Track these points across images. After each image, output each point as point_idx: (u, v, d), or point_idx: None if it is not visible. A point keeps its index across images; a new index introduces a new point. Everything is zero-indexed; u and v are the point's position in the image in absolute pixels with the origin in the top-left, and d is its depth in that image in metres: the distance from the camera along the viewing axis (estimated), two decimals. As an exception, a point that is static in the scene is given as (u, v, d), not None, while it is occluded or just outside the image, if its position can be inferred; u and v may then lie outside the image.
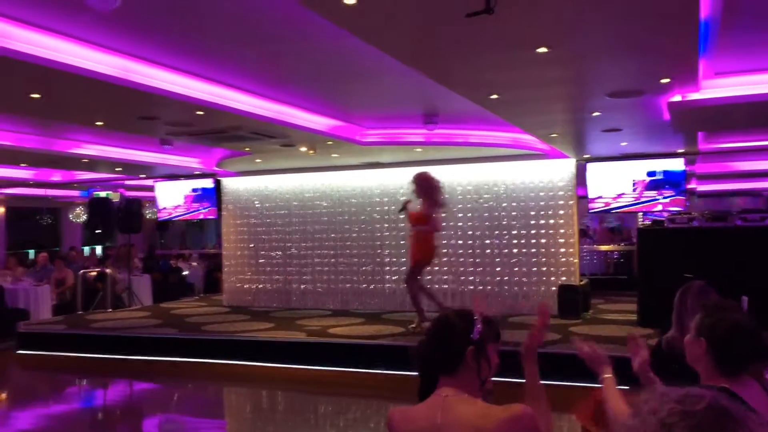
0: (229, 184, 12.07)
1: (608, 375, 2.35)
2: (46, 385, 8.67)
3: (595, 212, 10.72)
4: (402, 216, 9.27)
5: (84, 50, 5.01)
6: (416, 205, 8.74)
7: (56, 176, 13.31)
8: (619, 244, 15.71)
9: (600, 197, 10.06)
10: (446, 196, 8.94)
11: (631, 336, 2.51)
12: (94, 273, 12.69)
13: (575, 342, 2.37)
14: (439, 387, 1.92)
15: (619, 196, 9.93)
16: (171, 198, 12.65)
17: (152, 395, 8.08)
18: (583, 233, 15.55)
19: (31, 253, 17.68)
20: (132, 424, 7.01)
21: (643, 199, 9.84)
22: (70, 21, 4.58)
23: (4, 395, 8.30)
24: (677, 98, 6.05)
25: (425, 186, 8.59)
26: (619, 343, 7.45)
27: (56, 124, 8.20)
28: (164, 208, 12.81)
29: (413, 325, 8.66)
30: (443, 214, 9.16)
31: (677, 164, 9.68)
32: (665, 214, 10.04)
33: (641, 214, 13.22)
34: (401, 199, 9.60)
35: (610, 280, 13.99)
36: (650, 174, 9.73)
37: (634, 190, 9.81)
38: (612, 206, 10.11)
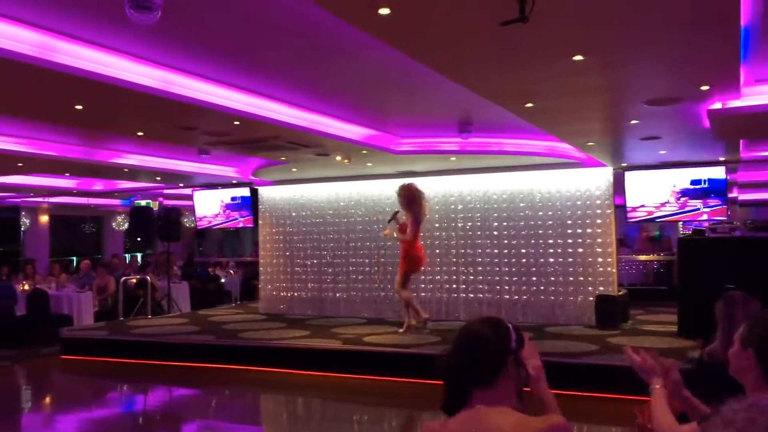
0: (266, 193, 12.22)
1: (658, 386, 2.29)
2: (89, 389, 8.86)
3: (636, 221, 10.53)
4: (390, 226, 9.54)
5: (126, 63, 5.15)
6: (404, 216, 9.11)
7: (98, 185, 13.65)
8: (659, 254, 15.41)
9: (642, 206, 9.88)
10: (427, 211, 9.28)
11: (660, 361, 2.40)
12: (135, 280, 12.95)
13: (627, 351, 2.28)
14: (473, 400, 1.86)
15: (663, 204, 9.74)
16: (209, 207, 12.87)
17: (190, 401, 8.20)
18: (622, 242, 15.31)
19: (75, 260, 18.11)
20: (171, 429, 7.12)
21: (688, 208, 9.63)
22: (113, 34, 4.71)
23: (48, 399, 8.51)
24: (717, 105, 5.94)
25: (408, 197, 8.95)
26: (659, 354, 7.32)
27: (99, 134, 8.43)
28: (203, 217, 13.03)
29: (417, 323, 9.06)
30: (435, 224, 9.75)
31: (719, 173, 9.48)
32: (705, 224, 9.83)
33: (681, 223, 12.97)
34: (387, 210, 10.10)
35: (650, 290, 13.74)
36: (694, 182, 9.53)
37: (678, 199, 9.62)
38: (655, 215, 9.92)
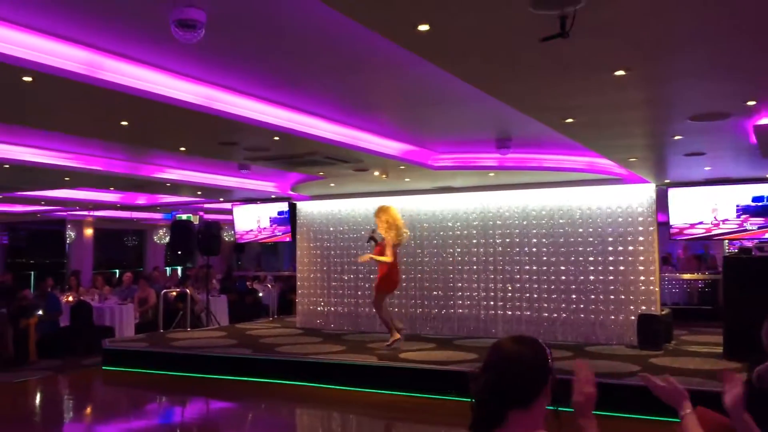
0: (304, 207, 12.31)
1: (689, 411, 2.20)
2: (128, 400, 8.99)
3: (691, 239, 10.20)
4: (370, 246, 9.73)
5: (171, 80, 5.26)
6: (381, 235, 9.32)
7: (141, 200, 13.95)
8: (703, 273, 15.03)
9: (701, 222, 9.59)
10: (405, 236, 9.44)
11: (727, 372, 2.31)
12: (175, 293, 13.15)
13: (646, 378, 2.12)
14: (509, 422, 1.79)
15: (722, 222, 9.42)
16: (248, 221, 13.02)
17: (227, 414, 8.25)
18: (666, 261, 14.98)
19: (117, 272, 18.49)
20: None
21: (748, 227, 9.33)
22: (158, 52, 4.83)
23: (89, 410, 8.66)
24: (764, 121, 5.79)
25: (388, 221, 9.18)
26: (704, 376, 7.11)
27: (143, 149, 8.62)
28: (243, 231, 13.18)
29: (388, 343, 9.21)
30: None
31: (765, 189, 9.21)
32: (751, 243, 9.55)
33: (727, 242, 12.63)
34: (368, 228, 10.36)
35: (694, 310, 13.38)
36: (757, 199, 9.22)
37: (738, 216, 9.32)
38: (714, 233, 9.63)
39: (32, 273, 18.64)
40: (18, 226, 18.52)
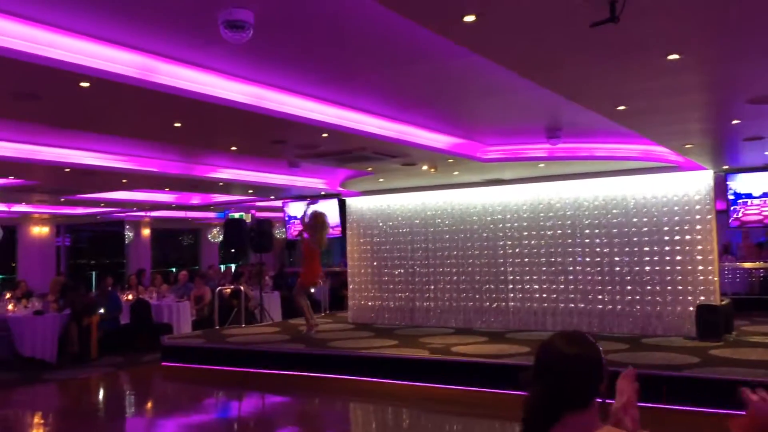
0: (353, 203, 12.39)
1: None
2: (187, 395, 9.23)
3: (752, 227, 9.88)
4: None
5: (221, 81, 5.37)
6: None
7: (195, 199, 14.27)
8: (765, 261, 14.50)
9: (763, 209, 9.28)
10: (324, 243, 10.75)
11: None
12: (229, 290, 13.41)
13: (745, 393, 1.95)
14: (566, 424, 1.75)
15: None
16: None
17: (282, 408, 8.39)
18: (726, 250, 14.52)
19: (174, 270, 18.97)
20: (264, 435, 7.32)
21: None
22: (209, 54, 4.93)
23: (150, 404, 8.93)
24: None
25: (313, 225, 10.48)
26: (767, 367, 6.88)
27: (196, 150, 8.82)
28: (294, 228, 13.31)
29: (304, 331, 10.48)
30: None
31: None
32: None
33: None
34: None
35: (756, 300, 12.95)
36: None
37: None
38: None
39: (93, 273, 19.30)
40: (79, 228, 19.19)
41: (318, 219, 10.60)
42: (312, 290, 11.42)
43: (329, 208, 12.54)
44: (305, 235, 10.69)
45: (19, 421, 7.84)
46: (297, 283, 10.88)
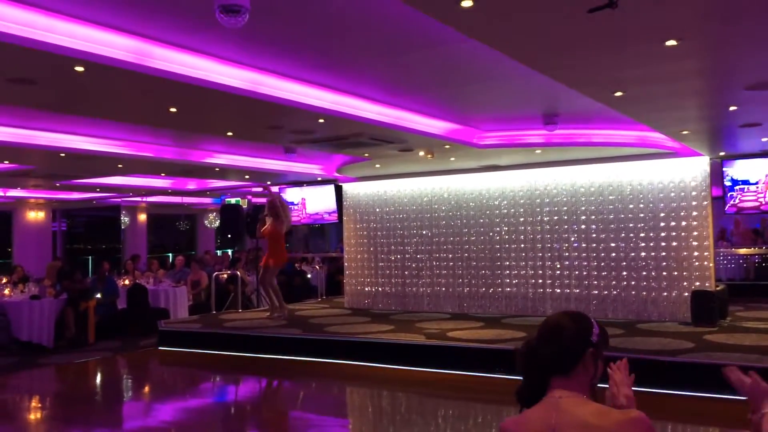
0: (350, 189, 12.38)
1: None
2: (183, 379, 9.27)
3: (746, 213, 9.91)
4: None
5: (217, 65, 5.34)
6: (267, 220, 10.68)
7: (191, 185, 14.24)
8: (760, 247, 14.57)
9: (757, 195, 9.30)
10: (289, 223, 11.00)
11: None
12: (226, 275, 13.42)
13: (732, 372, 1.97)
14: (551, 389, 1.90)
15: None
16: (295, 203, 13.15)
17: (279, 392, 8.44)
18: (721, 235, 14.57)
19: (170, 256, 18.97)
20: (260, 419, 7.35)
21: None
22: (204, 39, 4.90)
23: (147, 389, 8.96)
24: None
25: (273, 210, 10.55)
26: (761, 352, 6.93)
27: (191, 135, 8.79)
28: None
29: (269, 315, 10.70)
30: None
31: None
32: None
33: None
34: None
35: (751, 285, 13.03)
36: None
37: None
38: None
39: (89, 258, 19.30)
40: (75, 213, 19.16)
41: (275, 202, 10.64)
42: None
43: (325, 194, 12.54)
44: (269, 226, 10.65)
45: (17, 405, 7.87)
46: (265, 267, 10.72)
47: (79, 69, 4.77)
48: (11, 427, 6.80)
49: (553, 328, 1.95)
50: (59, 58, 4.45)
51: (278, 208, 10.56)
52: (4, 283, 11.86)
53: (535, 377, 1.94)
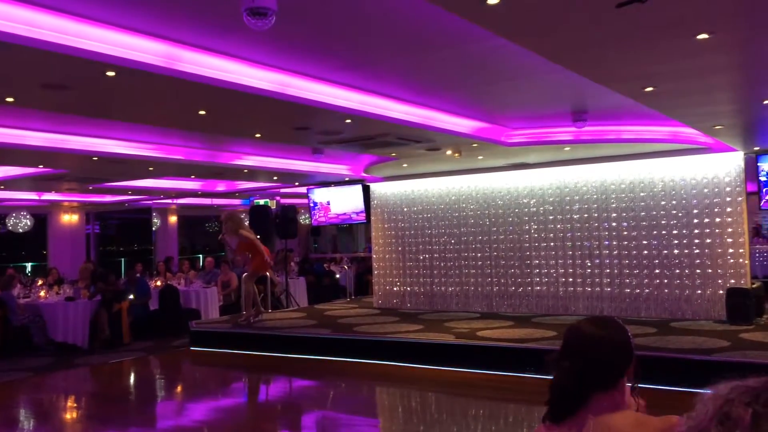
0: (377, 189, 12.39)
1: None
2: (215, 379, 9.37)
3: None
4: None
5: (245, 68, 5.38)
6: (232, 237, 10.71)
7: (221, 186, 14.38)
8: (797, 244, 14.24)
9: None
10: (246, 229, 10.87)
11: None
12: (255, 276, 13.49)
13: None
14: (592, 404, 1.79)
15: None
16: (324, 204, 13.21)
17: (308, 392, 8.48)
18: (757, 232, 14.28)
19: (201, 257, 19.18)
20: (291, 418, 7.40)
21: None
22: (232, 42, 4.94)
23: (179, 388, 9.08)
24: None
25: (232, 225, 10.55)
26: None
27: (221, 138, 8.88)
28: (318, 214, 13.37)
29: (242, 320, 10.47)
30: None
31: None
32: None
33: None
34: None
35: (787, 283, 12.71)
36: None
37: None
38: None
39: (122, 260, 19.60)
40: (108, 216, 19.48)
41: (227, 219, 10.75)
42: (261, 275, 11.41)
43: (353, 194, 12.57)
44: (233, 243, 10.87)
45: (53, 404, 8.03)
46: (249, 271, 10.72)
47: (111, 74, 4.84)
48: (48, 426, 6.95)
49: (591, 343, 1.83)
50: (91, 63, 4.53)
51: (229, 225, 10.58)
52: (40, 285, 12.11)
53: (576, 396, 1.80)
